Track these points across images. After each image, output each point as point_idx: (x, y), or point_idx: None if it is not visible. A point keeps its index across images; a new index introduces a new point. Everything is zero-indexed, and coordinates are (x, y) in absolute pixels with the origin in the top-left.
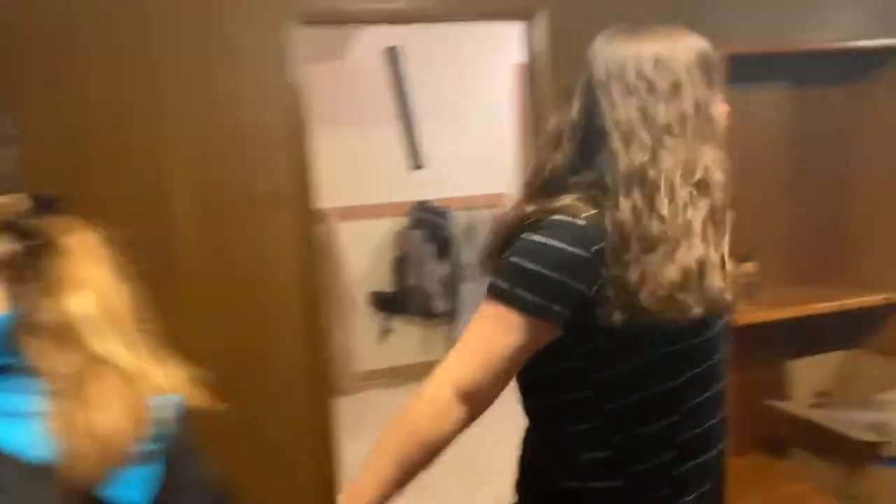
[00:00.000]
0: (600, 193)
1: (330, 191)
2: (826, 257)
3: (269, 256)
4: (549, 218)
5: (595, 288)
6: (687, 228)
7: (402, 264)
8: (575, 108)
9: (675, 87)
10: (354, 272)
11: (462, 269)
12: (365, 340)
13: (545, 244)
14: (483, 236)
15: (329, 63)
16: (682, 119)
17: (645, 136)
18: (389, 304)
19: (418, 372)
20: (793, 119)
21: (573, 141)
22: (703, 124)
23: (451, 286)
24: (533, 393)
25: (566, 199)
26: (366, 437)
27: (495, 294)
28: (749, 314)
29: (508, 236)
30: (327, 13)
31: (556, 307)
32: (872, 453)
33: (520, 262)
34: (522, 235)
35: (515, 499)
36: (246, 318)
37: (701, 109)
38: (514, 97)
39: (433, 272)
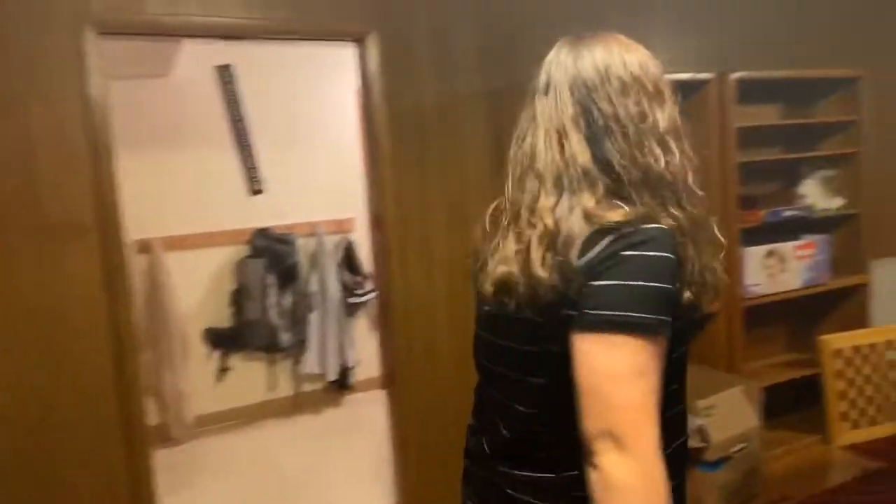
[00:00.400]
0: (632, 192)
1: (158, 218)
2: None
3: (68, 294)
4: (641, 227)
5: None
6: (707, 222)
7: (241, 296)
8: (564, 108)
9: (661, 92)
10: (187, 307)
11: (309, 299)
12: (200, 382)
13: (659, 257)
14: (328, 261)
15: (152, 80)
16: (675, 122)
17: (655, 139)
18: (227, 340)
19: (262, 412)
20: None
21: (577, 139)
22: (683, 128)
23: (296, 317)
24: (557, 424)
25: (635, 206)
26: (202, 489)
27: (634, 329)
28: None
29: (584, 251)
30: (131, 24)
31: (670, 318)
32: (693, 458)
33: (647, 286)
34: (626, 253)
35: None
36: (43, 368)
37: (680, 115)
38: (357, 120)
39: (276, 303)
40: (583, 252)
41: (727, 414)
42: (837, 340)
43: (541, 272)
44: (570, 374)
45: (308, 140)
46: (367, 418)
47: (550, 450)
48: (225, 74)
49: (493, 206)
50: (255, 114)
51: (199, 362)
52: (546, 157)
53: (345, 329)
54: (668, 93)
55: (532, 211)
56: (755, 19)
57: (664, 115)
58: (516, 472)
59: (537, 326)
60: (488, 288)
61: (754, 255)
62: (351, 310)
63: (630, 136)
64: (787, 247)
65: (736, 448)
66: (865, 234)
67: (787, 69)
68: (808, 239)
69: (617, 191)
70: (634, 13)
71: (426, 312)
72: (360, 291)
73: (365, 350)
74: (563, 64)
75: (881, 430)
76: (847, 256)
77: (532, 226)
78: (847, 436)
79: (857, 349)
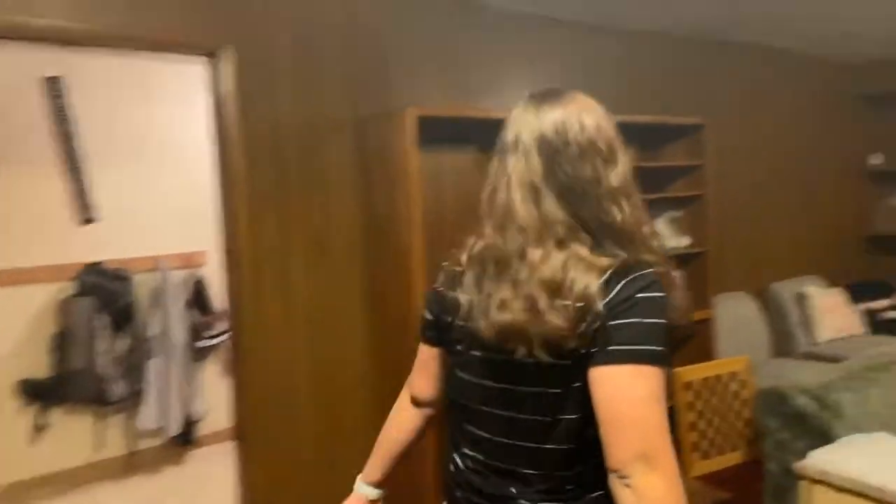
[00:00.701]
0: (605, 243)
1: None
2: None
3: None
4: (645, 272)
5: None
6: (668, 266)
7: (64, 342)
8: (535, 167)
9: (614, 152)
10: None
11: (148, 343)
12: (10, 443)
13: (662, 297)
14: (173, 300)
15: None
16: (626, 179)
17: (609, 199)
18: (46, 392)
19: (88, 475)
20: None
21: (551, 197)
22: (633, 182)
23: (132, 365)
24: (586, 454)
25: (629, 252)
26: None
27: (652, 360)
28: None
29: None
30: None
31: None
32: None
33: (658, 322)
34: (640, 295)
35: None
36: None
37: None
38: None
39: (108, 349)
40: (603, 295)
41: None
42: (687, 373)
43: (555, 319)
44: (593, 407)
45: (153, 164)
46: (214, 476)
47: (580, 478)
48: (54, 87)
49: (464, 251)
50: (91, 133)
51: (9, 419)
52: (524, 212)
53: (191, 376)
54: (620, 151)
55: (524, 260)
56: (612, 67)
57: (617, 176)
58: None
59: (563, 368)
60: (490, 335)
61: None
62: (199, 354)
63: (590, 197)
64: None
65: None
66: (711, 271)
67: (641, 115)
68: None
69: (596, 242)
70: (498, 59)
71: (284, 357)
72: (210, 334)
73: (214, 399)
74: (529, 123)
75: (728, 460)
76: (694, 293)
77: (529, 275)
78: (698, 466)
79: (705, 381)
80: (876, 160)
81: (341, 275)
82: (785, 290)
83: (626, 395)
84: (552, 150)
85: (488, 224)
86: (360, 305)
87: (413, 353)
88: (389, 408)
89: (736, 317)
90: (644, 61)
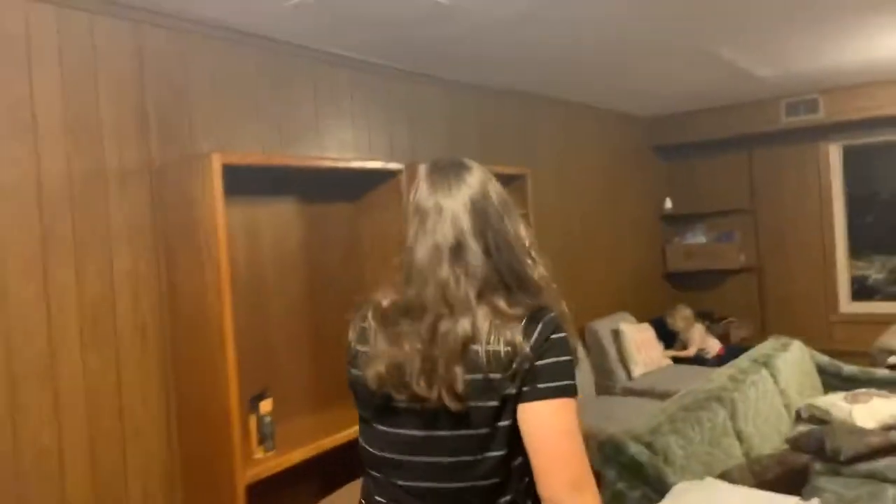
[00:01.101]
0: (517, 293)
1: None
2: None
3: None
4: (552, 315)
5: None
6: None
7: None
8: (462, 227)
9: (515, 211)
10: None
11: None
12: None
13: (569, 337)
14: None
15: None
16: (529, 235)
17: (525, 253)
18: None
19: None
20: (304, 233)
21: (476, 254)
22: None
23: None
24: (525, 468)
25: (533, 300)
26: None
27: (571, 393)
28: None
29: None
30: None
31: None
32: None
33: (570, 359)
34: (554, 336)
35: None
36: None
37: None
38: None
39: None
40: (526, 338)
41: None
42: None
43: (485, 365)
44: (519, 441)
45: None
46: None
47: None
48: None
49: (370, 308)
50: None
51: None
52: (447, 269)
53: None
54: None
55: (443, 313)
56: (436, 116)
57: (527, 233)
58: None
59: (491, 409)
60: (417, 387)
61: None
62: None
63: (513, 251)
64: None
65: None
66: None
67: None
68: None
69: (510, 293)
70: (334, 100)
71: (50, 468)
72: None
73: None
74: (451, 189)
75: None
76: None
77: (453, 326)
78: None
79: None
80: (668, 205)
81: (130, 354)
82: (601, 327)
83: (555, 429)
84: (480, 211)
85: (404, 280)
86: (157, 391)
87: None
88: None
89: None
90: (468, 111)
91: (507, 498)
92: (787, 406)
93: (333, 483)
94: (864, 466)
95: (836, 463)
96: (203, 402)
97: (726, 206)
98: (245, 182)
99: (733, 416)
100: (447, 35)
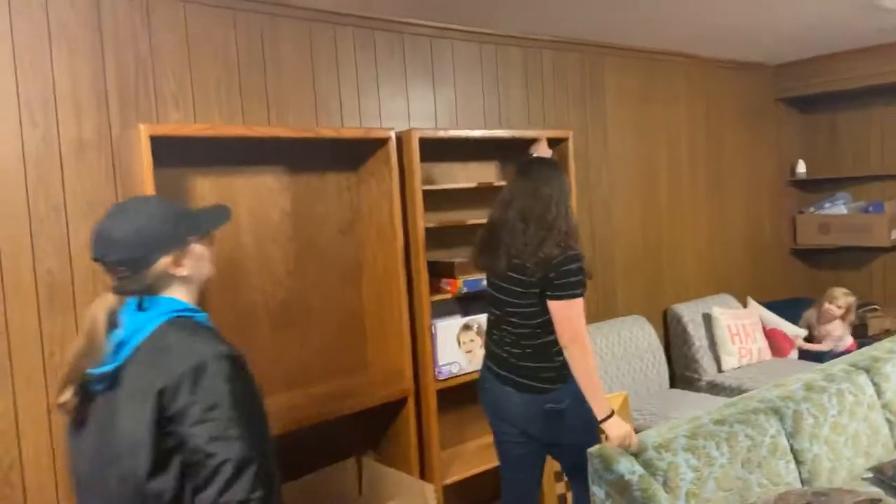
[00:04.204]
0: (566, 238)
1: None
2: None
3: None
4: (572, 253)
5: None
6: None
7: None
8: (550, 195)
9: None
10: None
11: None
12: None
13: (580, 265)
14: None
15: None
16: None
17: (571, 219)
18: None
19: None
20: (296, 204)
21: (556, 213)
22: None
23: None
24: (545, 326)
25: (565, 241)
26: None
27: (578, 294)
28: None
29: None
30: None
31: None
32: None
33: (582, 278)
34: (569, 266)
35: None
36: None
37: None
38: None
39: None
40: (557, 260)
41: None
42: None
43: (536, 270)
44: (547, 313)
45: None
46: None
47: (546, 347)
48: None
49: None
50: None
51: None
52: (534, 214)
53: None
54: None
55: (525, 237)
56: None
57: (565, 209)
58: (530, 363)
59: (534, 296)
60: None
61: (448, 330)
62: None
63: (569, 216)
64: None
65: None
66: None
67: (492, 129)
68: None
69: (562, 237)
70: (334, 70)
71: None
72: None
73: None
74: (542, 170)
75: None
76: None
77: (526, 244)
78: None
79: None
80: (800, 168)
81: None
82: (687, 311)
83: (565, 312)
84: (559, 192)
85: (507, 212)
86: None
87: None
88: None
89: (628, 343)
90: (514, 65)
91: (545, 339)
92: (890, 423)
93: (318, 462)
94: None
95: None
96: None
97: (876, 169)
98: (219, 151)
99: (795, 433)
100: None
